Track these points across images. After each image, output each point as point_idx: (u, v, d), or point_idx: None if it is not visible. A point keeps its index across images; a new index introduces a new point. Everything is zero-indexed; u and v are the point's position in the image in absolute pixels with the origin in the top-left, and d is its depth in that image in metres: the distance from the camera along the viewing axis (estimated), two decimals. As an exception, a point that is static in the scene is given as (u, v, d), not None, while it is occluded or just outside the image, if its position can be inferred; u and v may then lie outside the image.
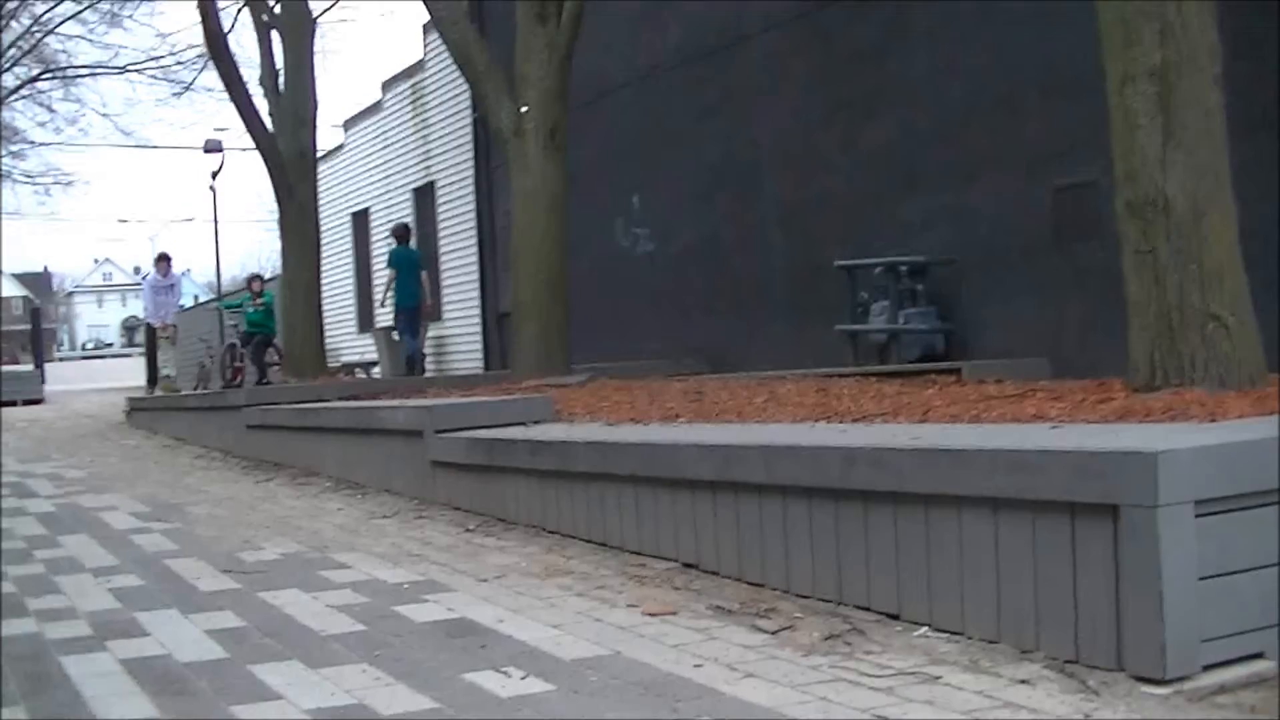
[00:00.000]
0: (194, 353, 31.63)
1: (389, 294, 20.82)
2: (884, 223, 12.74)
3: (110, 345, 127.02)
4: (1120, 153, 6.45)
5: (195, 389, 24.84)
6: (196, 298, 63.29)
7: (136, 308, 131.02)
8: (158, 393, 23.46)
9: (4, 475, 13.01)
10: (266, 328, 22.83)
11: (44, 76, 36.06)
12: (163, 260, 25.11)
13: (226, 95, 21.59)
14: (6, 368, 34.36)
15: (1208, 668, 4.02)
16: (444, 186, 23.76)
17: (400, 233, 21.50)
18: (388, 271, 21.01)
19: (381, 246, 27.00)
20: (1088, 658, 4.20)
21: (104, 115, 52.92)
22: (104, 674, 4.84)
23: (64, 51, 35.96)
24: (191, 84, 32.71)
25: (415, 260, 21.23)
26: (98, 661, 5.05)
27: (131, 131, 47.51)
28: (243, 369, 23.05)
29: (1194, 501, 4.06)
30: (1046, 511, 4.37)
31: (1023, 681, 4.13)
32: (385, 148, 26.53)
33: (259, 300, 23.08)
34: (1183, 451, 4.10)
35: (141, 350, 26.95)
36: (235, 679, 4.67)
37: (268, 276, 25.91)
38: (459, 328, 23.33)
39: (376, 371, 23.90)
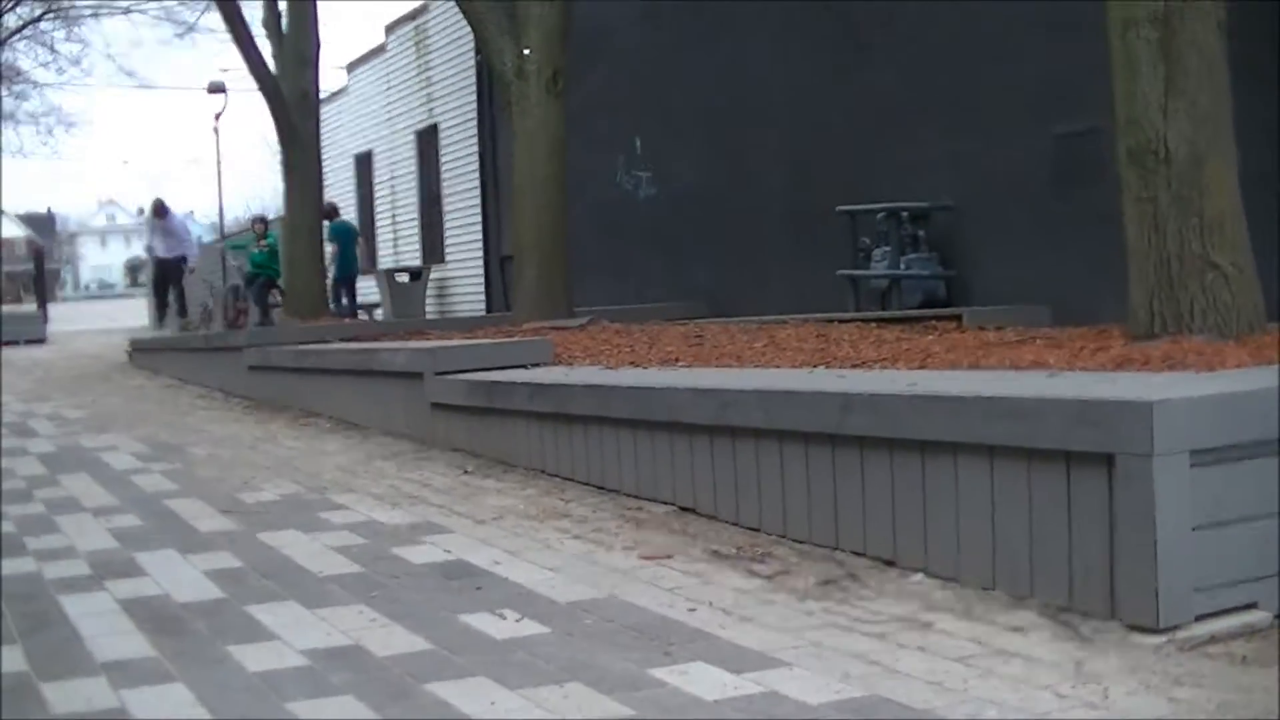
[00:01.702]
0: (197, 294, 31.64)
1: (331, 266, 22.23)
2: (887, 168, 12.68)
3: (113, 286, 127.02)
4: (1121, 99, 6.41)
5: (197, 330, 24.78)
6: (200, 239, 63.15)
7: (140, 249, 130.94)
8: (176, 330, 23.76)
9: (5, 415, 13.04)
10: (270, 269, 22.73)
11: (46, 17, 35.84)
12: (158, 210, 23.91)
13: (230, 36, 21.45)
14: (9, 308, 34.32)
15: (1200, 617, 4.03)
16: (447, 129, 23.68)
17: (330, 211, 22.88)
18: (330, 246, 22.20)
19: (384, 189, 26.96)
20: (1081, 606, 4.21)
21: (107, 56, 52.87)
22: (102, 613, 4.87)
23: (67, -9, 35.79)
24: (194, 25, 32.63)
25: (352, 232, 23.72)
26: (96, 601, 5.08)
27: (135, 72, 47.46)
28: (246, 310, 23.18)
29: (1189, 451, 4.06)
30: (1042, 459, 4.37)
31: (1016, 629, 4.14)
32: (388, 90, 26.43)
33: (263, 242, 23.07)
34: (1179, 401, 4.10)
35: (145, 290, 26.98)
36: (232, 619, 4.70)
37: (271, 218, 25.75)
38: (461, 270, 23.31)
39: (378, 313, 23.89)
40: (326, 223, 22.33)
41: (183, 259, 23.48)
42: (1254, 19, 8.12)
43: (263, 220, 24.83)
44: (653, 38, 16.56)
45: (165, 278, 23.94)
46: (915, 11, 12.44)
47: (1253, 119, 6.97)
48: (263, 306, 22.44)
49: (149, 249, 24.66)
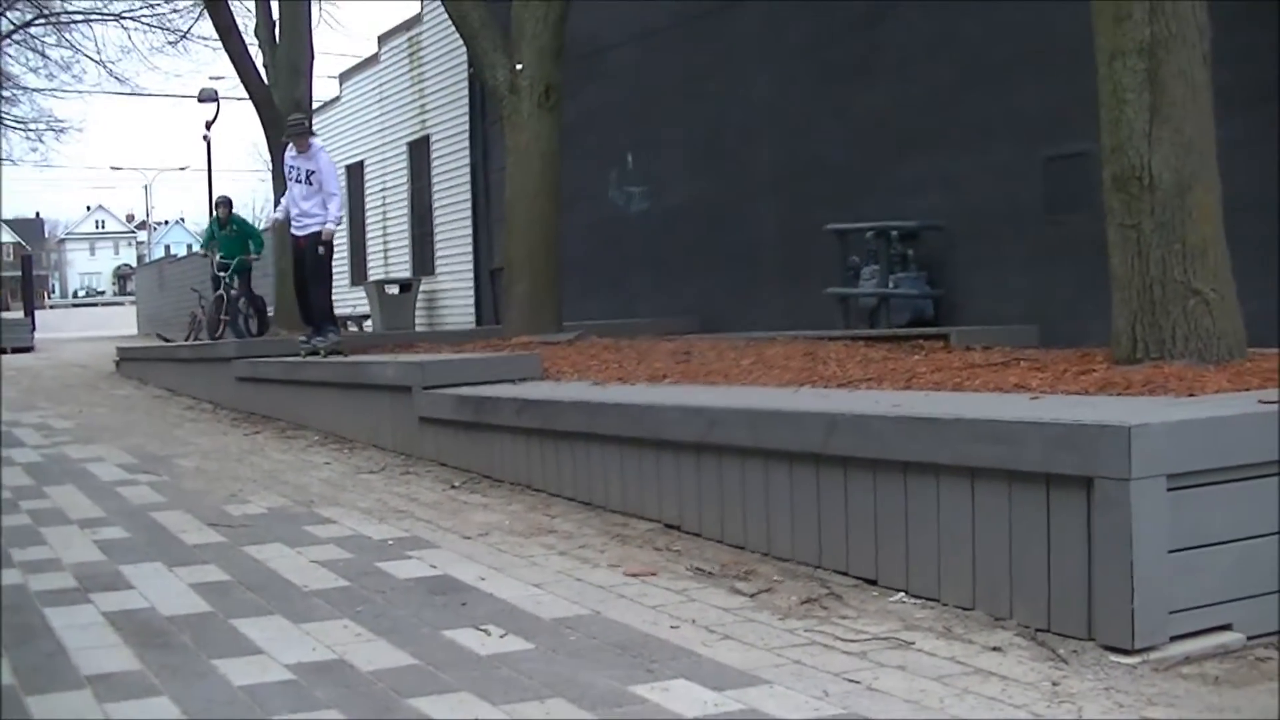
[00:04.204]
0: (187, 302, 31.54)
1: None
2: (877, 188, 12.75)
3: (102, 293, 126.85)
4: (1107, 126, 6.48)
5: (187, 339, 24.49)
6: (190, 247, 63.25)
7: (129, 255, 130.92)
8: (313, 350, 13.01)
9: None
10: (243, 251, 19.97)
11: (37, 22, 35.81)
12: (298, 133, 13.10)
13: (221, 45, 21.52)
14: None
15: (1175, 638, 4.09)
16: (439, 141, 23.73)
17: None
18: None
19: (376, 199, 26.99)
20: (1059, 627, 4.26)
21: (98, 62, 52.78)
22: (87, 626, 4.89)
23: (58, -3, 35.78)
24: (187, 33, 32.55)
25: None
26: (81, 614, 5.09)
27: (126, 79, 47.26)
28: (228, 321, 21.49)
29: (1167, 475, 4.12)
30: (1023, 482, 4.43)
31: (994, 649, 4.19)
32: (381, 101, 26.48)
33: (229, 226, 20.14)
34: (1157, 425, 4.16)
35: (133, 299, 25.11)
36: (217, 633, 4.73)
37: (262, 227, 24.55)
38: (451, 283, 23.35)
39: (368, 325, 23.88)
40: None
41: (318, 236, 12.87)
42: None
43: (226, 203, 20.66)
44: (647, 55, 16.61)
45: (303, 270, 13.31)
46: (909, 34, 12.51)
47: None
48: (250, 297, 20.03)
49: (274, 221, 15.61)
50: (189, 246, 60.10)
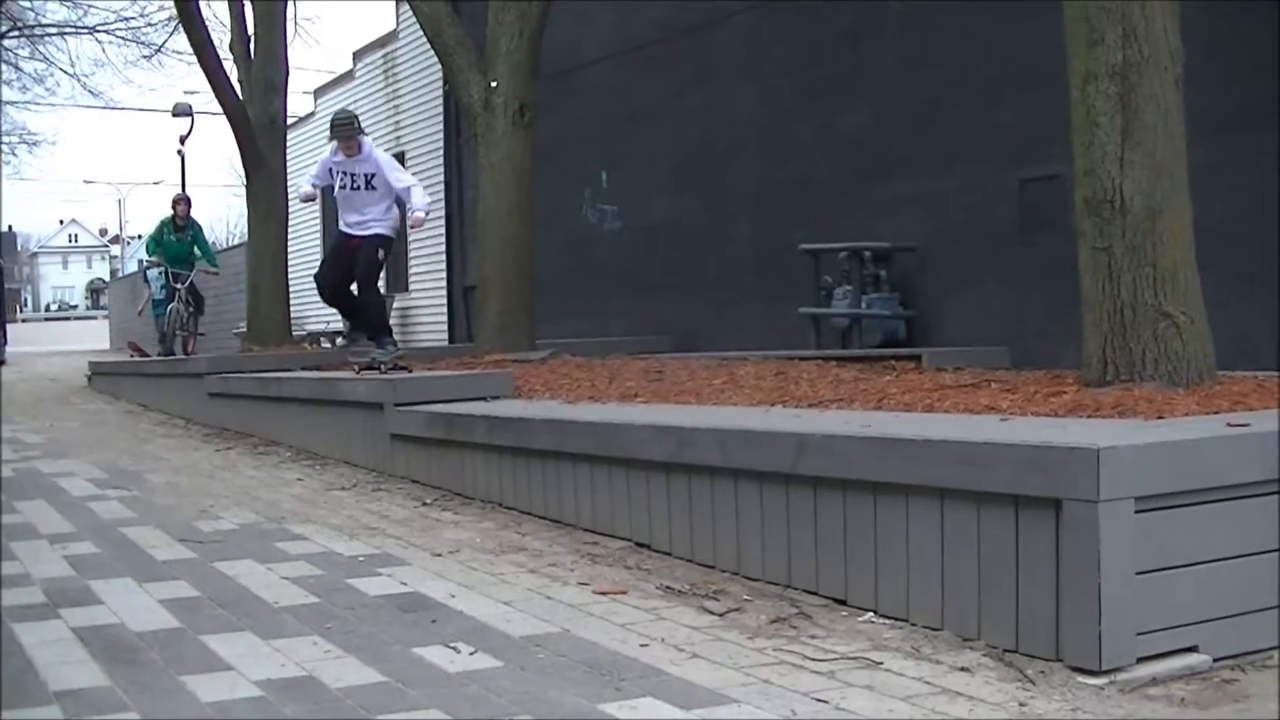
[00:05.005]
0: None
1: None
2: (852, 208, 12.78)
3: (75, 307, 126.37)
4: (1080, 149, 6.52)
5: (159, 353, 24.25)
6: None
7: (102, 270, 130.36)
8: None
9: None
10: (189, 260, 19.12)
11: (10, 34, 35.69)
12: (343, 129, 11.00)
13: (196, 59, 21.46)
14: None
15: (1142, 660, 4.12)
16: (414, 157, 23.69)
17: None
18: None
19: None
20: (1027, 647, 4.28)
21: (72, 75, 52.68)
22: (56, 642, 4.87)
23: (31, 9, 35.69)
24: (161, 47, 32.46)
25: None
26: (50, 629, 5.07)
27: (100, 92, 47.05)
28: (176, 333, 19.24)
29: (1135, 498, 4.14)
30: (992, 503, 4.45)
31: (962, 669, 4.20)
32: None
33: (183, 230, 19.11)
34: (1125, 448, 4.18)
35: (106, 314, 23.98)
36: (187, 649, 4.71)
37: (235, 243, 24.16)
38: (424, 300, 23.32)
39: (341, 341, 23.83)
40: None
41: (382, 239, 11.03)
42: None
43: (186, 200, 19.61)
44: (623, 73, 16.63)
45: (342, 279, 11.17)
46: (885, 56, 12.55)
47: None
48: (191, 292, 19.18)
49: (305, 194, 12.14)
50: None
